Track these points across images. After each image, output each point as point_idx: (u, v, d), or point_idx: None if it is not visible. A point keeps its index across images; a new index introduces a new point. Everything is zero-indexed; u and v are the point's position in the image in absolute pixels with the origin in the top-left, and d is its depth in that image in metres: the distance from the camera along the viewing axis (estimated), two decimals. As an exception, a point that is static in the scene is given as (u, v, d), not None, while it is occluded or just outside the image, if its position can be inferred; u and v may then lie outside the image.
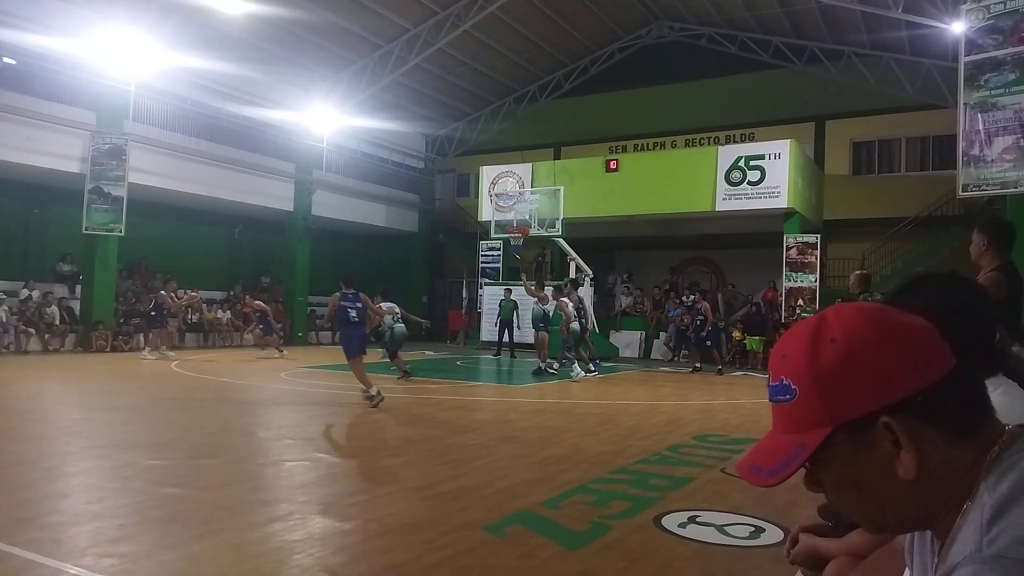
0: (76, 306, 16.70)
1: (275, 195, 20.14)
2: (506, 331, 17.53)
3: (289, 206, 20.65)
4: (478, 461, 5.70)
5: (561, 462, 5.74)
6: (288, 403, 9.16)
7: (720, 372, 14.49)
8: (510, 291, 17.84)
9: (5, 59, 14.43)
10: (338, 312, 8.82)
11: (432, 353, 18.29)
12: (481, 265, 21.51)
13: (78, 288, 16.96)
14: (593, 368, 13.49)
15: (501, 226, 19.07)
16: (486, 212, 20.42)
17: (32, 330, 15.36)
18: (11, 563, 3.20)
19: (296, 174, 20.67)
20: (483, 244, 21.31)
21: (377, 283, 25.05)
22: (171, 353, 15.33)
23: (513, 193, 19.61)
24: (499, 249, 20.90)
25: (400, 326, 12.03)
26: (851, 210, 19.58)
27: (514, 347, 17.60)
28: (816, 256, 17.23)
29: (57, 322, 15.95)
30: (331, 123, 20.61)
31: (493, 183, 20.72)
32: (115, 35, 15.06)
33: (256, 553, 3.47)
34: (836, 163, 20.53)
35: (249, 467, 5.44)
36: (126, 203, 16.19)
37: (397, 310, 12.15)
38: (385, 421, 7.71)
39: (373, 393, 8.40)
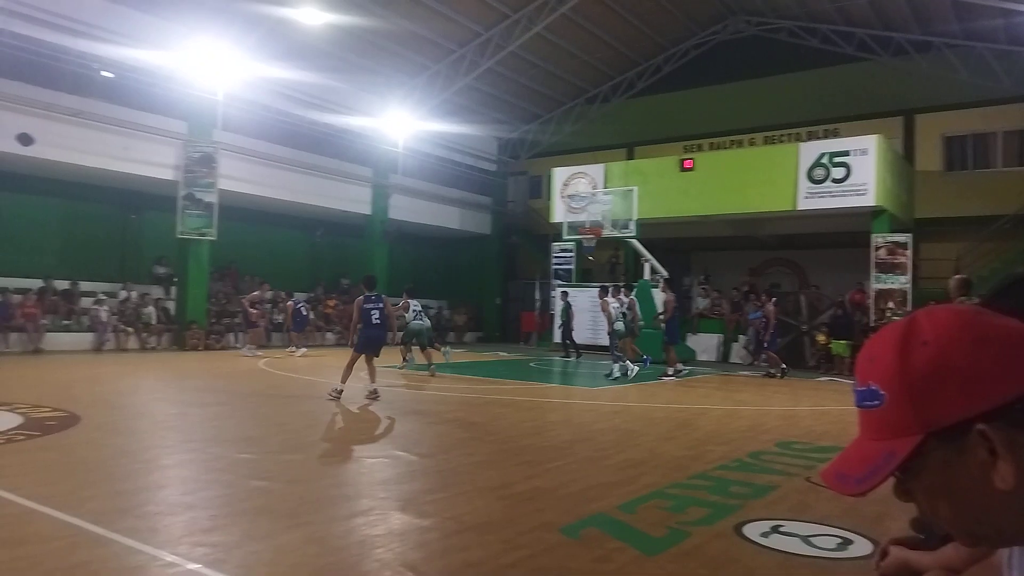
0: (171, 307, 17.61)
1: (354, 199, 20.72)
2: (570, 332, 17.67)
3: (367, 210, 21.19)
4: (553, 462, 5.70)
5: (637, 466, 5.68)
6: (368, 402, 9.39)
7: (775, 375, 14.01)
8: (566, 293, 18.02)
9: (104, 73, 15.36)
10: (362, 314, 9.15)
11: (505, 354, 18.40)
12: (553, 267, 21.50)
13: (173, 289, 17.88)
14: (634, 368, 13.29)
15: (573, 227, 19.02)
16: (558, 214, 20.40)
17: (130, 329, 16.29)
18: (113, 548, 3.40)
19: (373, 178, 21.20)
20: (555, 246, 21.30)
21: (452, 286, 25.49)
22: (259, 352, 15.98)
23: (586, 194, 19.52)
24: (572, 251, 20.84)
25: (418, 321, 12.70)
26: (944, 208, 18.60)
27: (578, 348, 17.67)
28: (907, 256, 16.44)
29: (153, 322, 16.86)
30: (406, 128, 21.06)
31: (565, 184, 20.68)
32: (204, 48, 15.85)
33: (339, 546, 3.58)
34: (927, 159, 19.55)
35: (332, 463, 5.62)
36: (217, 208, 16.97)
37: (419, 307, 12.91)
38: (460, 421, 7.82)
39: (339, 390, 8.75)
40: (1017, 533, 0.78)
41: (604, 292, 13.76)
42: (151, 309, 16.92)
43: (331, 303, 20.84)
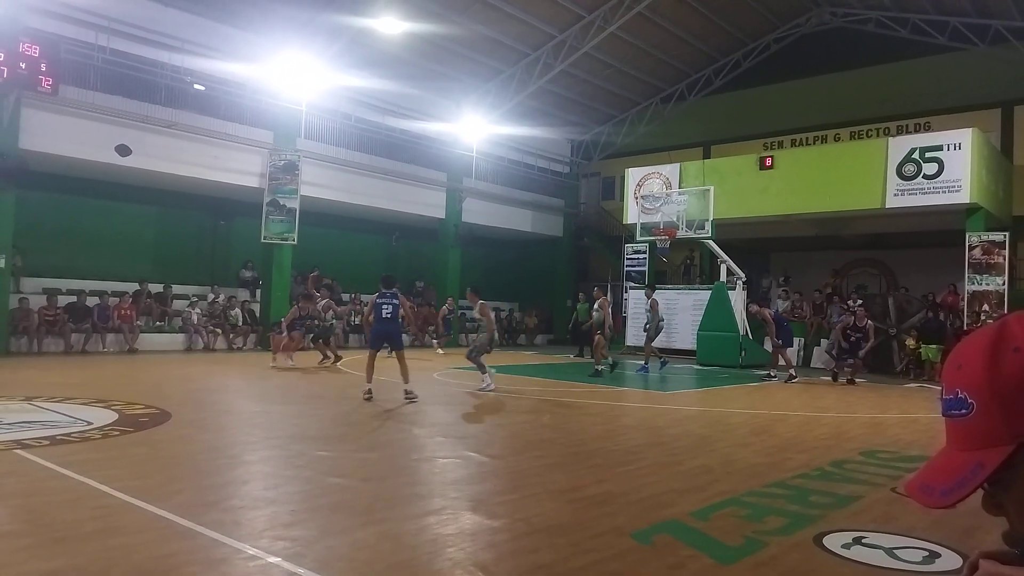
0: (256, 309, 18.33)
1: (428, 203, 21.07)
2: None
3: (441, 213, 21.52)
4: (624, 467, 5.64)
5: (711, 472, 5.56)
6: (440, 402, 9.54)
7: (772, 377, 13.64)
8: (586, 294, 18.02)
9: (196, 86, 16.15)
10: (373, 309, 9.34)
11: (574, 357, 18.31)
12: (626, 268, 21.28)
13: (258, 292, 18.62)
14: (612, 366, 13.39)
15: (647, 228, 18.76)
16: (631, 215, 20.18)
17: (219, 330, 17.05)
18: (200, 541, 3.56)
19: (448, 182, 21.50)
20: (628, 247, 21.08)
21: (524, 288, 25.52)
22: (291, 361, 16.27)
23: (660, 194, 19.23)
24: (644, 252, 20.58)
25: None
26: (1046, 205, 17.44)
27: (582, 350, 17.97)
28: (1004, 256, 15.49)
29: (240, 323, 17.59)
30: (480, 132, 21.28)
31: (639, 185, 20.44)
32: (289, 60, 16.47)
33: (412, 544, 3.64)
34: (1028, 153, 18.38)
35: (405, 462, 5.72)
36: (298, 214, 17.58)
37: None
38: (531, 423, 7.83)
39: (366, 389, 8.91)
40: None
41: (601, 293, 13.68)
42: (238, 311, 17.66)
43: (407, 305, 21.24)
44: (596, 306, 13.61)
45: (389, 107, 19.59)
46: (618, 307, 21.79)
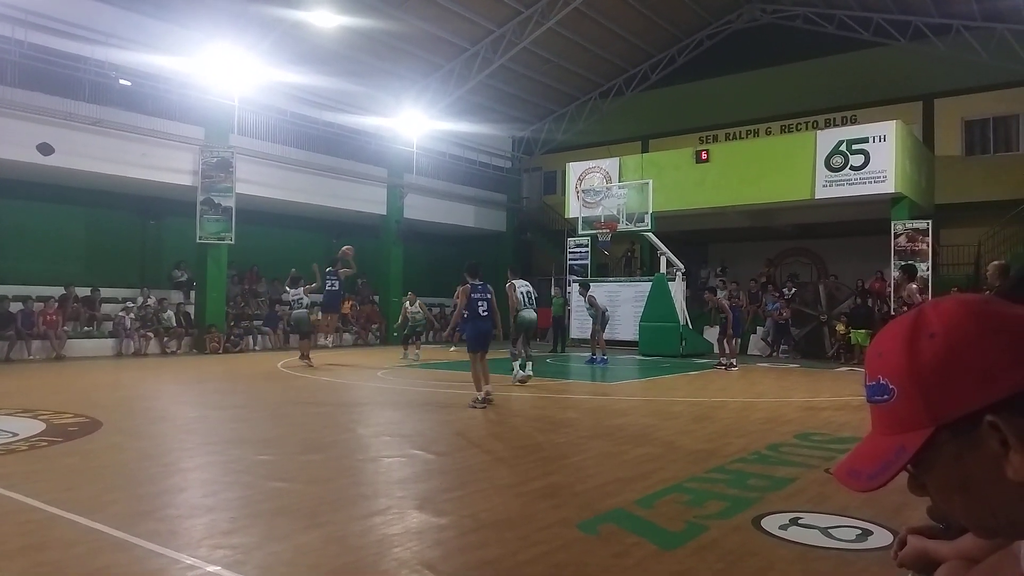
0: (191, 311, 17.79)
1: (369, 200, 20.81)
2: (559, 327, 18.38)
3: (382, 210, 21.28)
4: (569, 459, 5.69)
5: (655, 460, 5.65)
6: (385, 402, 9.45)
7: (723, 366, 13.92)
8: (560, 289, 18.54)
9: (121, 81, 15.53)
10: (469, 305, 8.35)
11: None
12: (569, 262, 21.47)
13: (192, 294, 18.06)
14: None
15: (588, 222, 18.96)
16: (573, 209, 20.36)
17: (151, 334, 16.48)
18: (134, 552, 3.44)
19: (388, 179, 21.27)
20: (571, 241, 21.26)
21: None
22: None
23: (600, 189, 19.47)
24: (587, 246, 20.79)
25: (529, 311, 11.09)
26: (965, 193, 18.34)
27: (565, 343, 18.29)
28: (927, 243, 16.23)
29: (173, 326, 17.05)
30: (421, 127, 21.12)
31: (580, 179, 20.64)
32: (220, 53, 15.99)
33: (358, 545, 3.60)
34: (947, 144, 19.27)
35: (350, 463, 5.65)
36: (235, 213, 17.11)
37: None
38: (476, 419, 7.82)
39: (481, 396, 8.22)
40: None
41: (514, 273, 12.38)
42: (170, 313, 17.11)
43: (347, 304, 20.94)
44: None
45: (327, 102, 19.24)
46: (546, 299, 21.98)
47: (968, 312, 0.76)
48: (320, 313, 15.49)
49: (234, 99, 17.02)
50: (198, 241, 17.04)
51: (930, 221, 16.58)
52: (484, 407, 8.21)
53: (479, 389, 8.34)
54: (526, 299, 10.95)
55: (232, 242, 17.30)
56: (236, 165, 17.05)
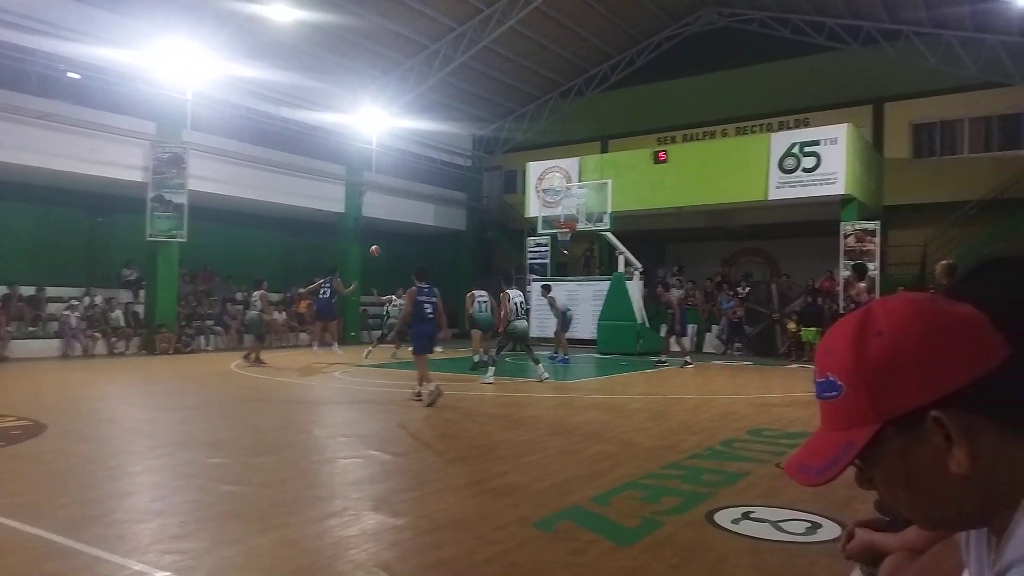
0: (140, 310, 17.32)
1: (327, 197, 20.54)
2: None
3: (340, 208, 21.03)
4: (527, 457, 5.70)
5: (611, 458, 5.70)
6: (341, 402, 9.34)
7: (663, 363, 14.21)
8: (548, 287, 18.16)
9: (70, 74, 15.04)
10: (415, 307, 8.63)
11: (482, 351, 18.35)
12: (529, 261, 21.51)
13: (142, 293, 17.59)
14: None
15: (548, 222, 19.03)
16: (533, 208, 20.41)
17: (98, 334, 16.00)
18: (80, 559, 3.33)
19: (347, 176, 21.03)
20: (531, 240, 21.31)
21: (427, 282, 25.37)
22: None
23: (560, 188, 19.56)
24: (547, 245, 20.86)
25: (522, 320, 11.44)
26: (912, 195, 18.90)
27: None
28: (876, 243, 16.69)
29: (122, 326, 16.58)
30: (380, 125, 20.91)
31: (540, 179, 20.70)
32: (172, 47, 15.57)
33: (312, 548, 3.54)
34: (896, 146, 19.84)
35: (305, 464, 5.56)
36: (187, 210, 16.72)
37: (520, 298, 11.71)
38: (434, 418, 7.79)
39: (430, 390, 8.36)
40: (974, 517, 0.79)
41: (508, 283, 12.90)
42: (119, 313, 16.64)
43: (304, 304, 20.64)
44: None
45: (284, 98, 18.93)
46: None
47: (914, 311, 0.77)
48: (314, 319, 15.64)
49: (187, 93, 16.61)
50: (148, 239, 16.59)
51: (878, 222, 17.05)
52: (427, 401, 8.39)
53: (427, 382, 8.59)
54: (519, 309, 11.33)
55: (184, 240, 16.90)
56: (189, 161, 16.65)
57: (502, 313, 11.70)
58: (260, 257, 21.19)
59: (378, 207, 21.86)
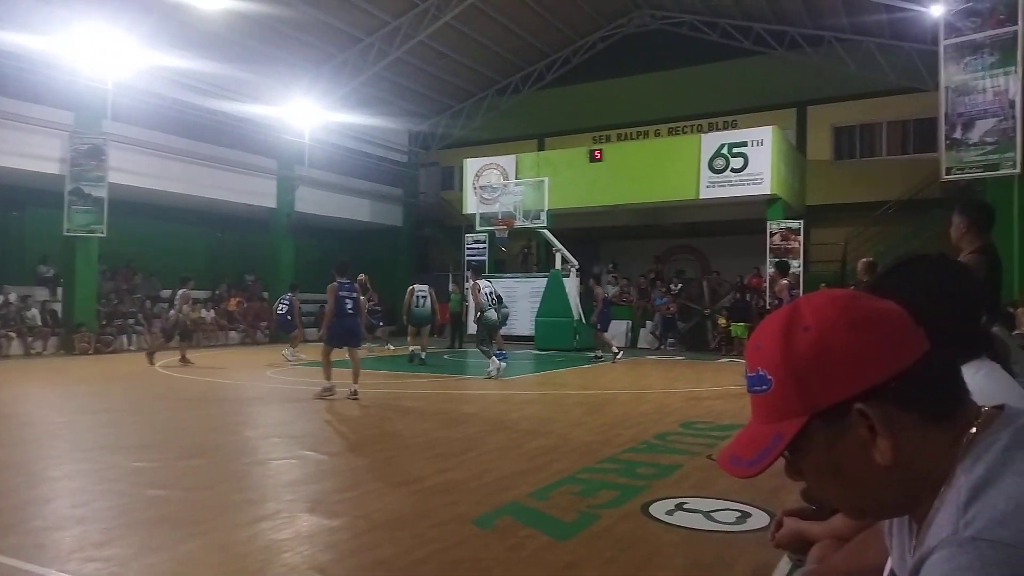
0: (58, 309, 16.50)
1: (257, 192, 20.00)
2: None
3: (272, 203, 20.51)
4: (466, 454, 5.70)
5: (549, 453, 5.75)
6: (274, 401, 9.12)
7: (601, 358, 14.46)
8: (458, 286, 18.75)
9: (-22, 60, 14.19)
10: (336, 302, 8.73)
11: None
12: (467, 258, 21.47)
13: (59, 291, 16.76)
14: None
15: (486, 219, 19.04)
16: (471, 205, 20.37)
17: (13, 334, 15.17)
18: (-6, 570, 3.16)
19: (278, 170, 20.53)
20: (468, 237, 21.27)
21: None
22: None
23: (497, 185, 19.58)
24: (485, 242, 20.86)
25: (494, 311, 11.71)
26: (833, 195, 19.70)
27: (463, 339, 18.31)
28: (799, 242, 17.33)
29: (39, 324, 15.77)
30: (312, 118, 20.46)
31: (477, 175, 20.69)
32: (92, 34, 14.84)
33: (243, 553, 3.45)
34: (818, 148, 20.63)
35: (235, 467, 5.41)
36: (107, 204, 16.01)
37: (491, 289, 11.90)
38: (372, 417, 7.69)
39: (326, 386, 8.62)
40: (897, 505, 0.82)
41: (477, 274, 12.76)
42: (35, 312, 15.82)
43: (234, 301, 20.08)
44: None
45: (212, 89, 18.30)
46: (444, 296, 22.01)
47: (838, 306, 0.80)
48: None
49: (108, 83, 15.88)
50: (66, 234, 15.82)
51: (802, 221, 17.72)
52: (317, 394, 8.64)
53: (328, 378, 8.73)
54: (490, 299, 11.51)
55: (104, 235, 16.18)
56: (109, 153, 15.94)
57: (474, 305, 11.99)
58: (186, 253, 20.46)
59: (312, 202, 21.42)
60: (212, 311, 19.11)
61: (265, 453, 5.94)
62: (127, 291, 18.20)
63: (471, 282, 12.10)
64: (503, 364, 11.13)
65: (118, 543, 3.54)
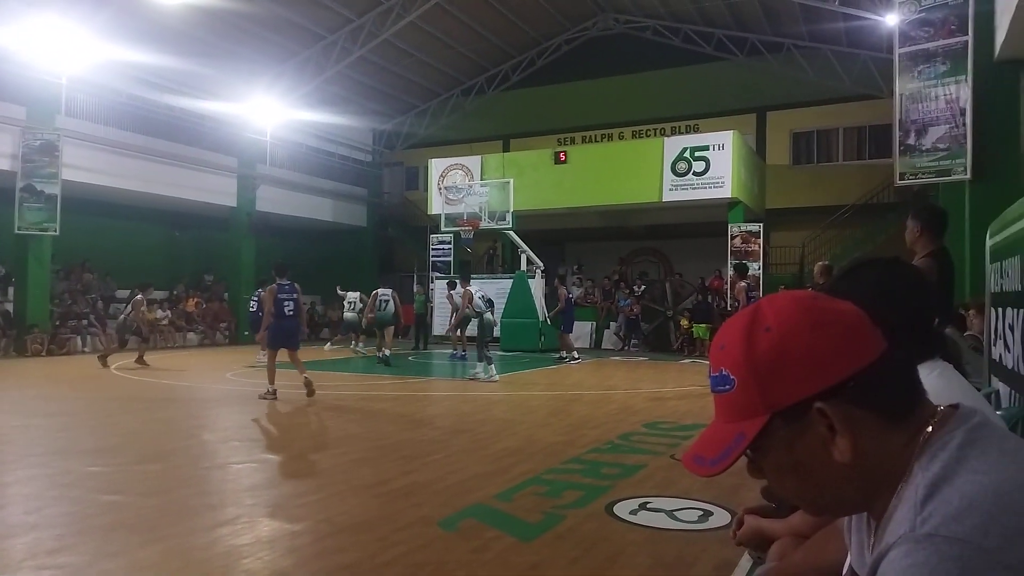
0: (10, 309, 15.98)
1: (217, 190, 19.63)
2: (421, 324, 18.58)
3: (232, 201, 20.15)
4: (431, 456, 5.67)
5: (514, 454, 5.75)
6: (234, 404, 8.95)
7: (566, 359, 14.59)
8: (423, 287, 18.87)
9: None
10: (275, 304, 8.73)
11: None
12: (432, 259, 21.38)
13: (10, 290, 16.24)
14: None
15: (451, 219, 18.98)
16: (436, 205, 20.30)
17: (-40, 335, 14.66)
18: (-61, 580, 3.05)
19: (239, 169, 20.18)
20: (433, 238, 21.18)
21: (327, 280, 24.72)
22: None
23: (462, 186, 19.54)
24: (450, 242, 20.80)
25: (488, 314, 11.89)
26: (792, 199, 20.09)
27: (427, 340, 18.34)
28: (759, 244, 17.64)
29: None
30: (275, 116, 20.16)
31: (442, 176, 20.62)
32: (45, 26, 14.40)
33: (202, 559, 3.38)
34: (777, 153, 21.02)
35: (194, 471, 5.30)
36: (60, 201, 15.57)
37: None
38: (336, 419, 7.61)
39: (269, 389, 8.63)
40: (856, 502, 0.83)
41: (467, 280, 12.99)
42: (-16, 312, 15.31)
43: (192, 302, 19.68)
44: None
45: (170, 85, 17.93)
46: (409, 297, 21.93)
47: (799, 307, 0.81)
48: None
49: (62, 77, 15.46)
50: (17, 232, 15.33)
51: (761, 224, 18.05)
52: (263, 394, 8.63)
53: (271, 382, 8.70)
54: (484, 303, 11.81)
55: (57, 233, 15.72)
56: (63, 149, 15.50)
57: (465, 310, 12.28)
58: (143, 252, 19.99)
59: (273, 201, 21.11)
60: (169, 312, 18.70)
61: (224, 457, 5.84)
62: (81, 291, 17.70)
63: (460, 288, 12.38)
64: (495, 376, 11.20)
65: (72, 550, 3.45)
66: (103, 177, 16.65)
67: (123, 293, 18.25)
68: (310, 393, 8.51)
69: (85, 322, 16.98)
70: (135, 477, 4.99)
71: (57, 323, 16.32)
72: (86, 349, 16.42)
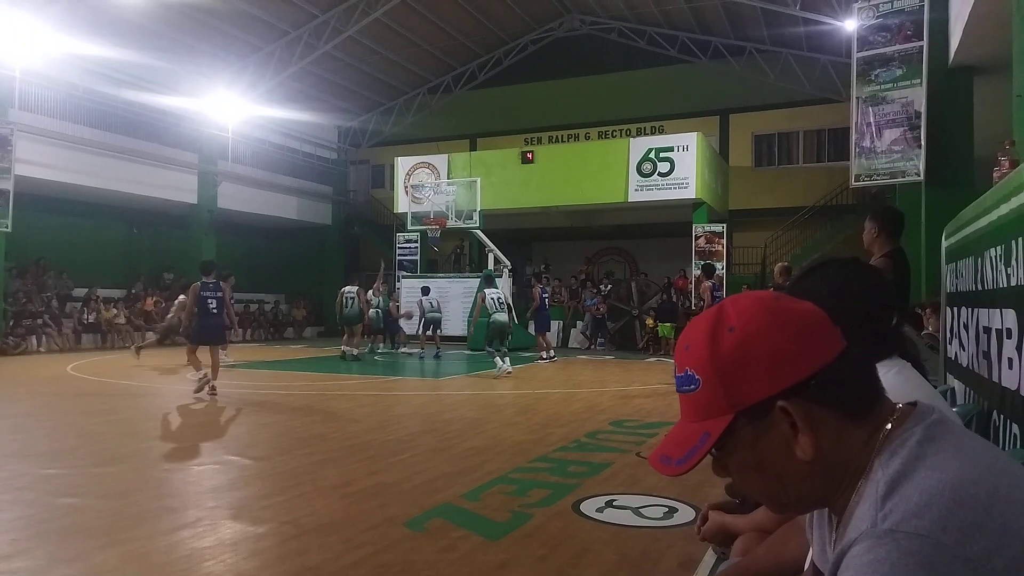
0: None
1: (177, 187, 19.26)
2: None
3: (192, 198, 19.79)
4: (397, 456, 5.64)
5: (481, 453, 5.75)
6: (195, 405, 8.79)
7: (546, 359, 14.66)
8: (387, 284, 18.55)
9: None
10: (199, 302, 8.91)
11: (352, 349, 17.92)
12: (398, 258, 21.25)
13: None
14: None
15: (418, 218, 18.90)
16: (402, 204, 20.19)
17: (-94, 335, 14.15)
18: None
19: (200, 165, 19.82)
20: (400, 236, 21.07)
21: (291, 279, 24.36)
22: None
23: (429, 184, 19.45)
24: (416, 241, 20.71)
25: (501, 315, 12.04)
26: (754, 200, 20.43)
27: (395, 339, 18.24)
28: (723, 245, 17.90)
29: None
30: (237, 112, 19.85)
31: (408, 174, 20.51)
32: (-6, 16, 13.99)
33: (162, 563, 3.31)
34: (740, 155, 21.36)
35: (154, 473, 5.19)
36: (13, 197, 15.11)
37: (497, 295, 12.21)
38: (301, 420, 7.52)
39: (200, 376, 8.87)
40: (818, 498, 0.85)
41: (489, 283, 13.03)
42: (-68, 311, 14.79)
43: (151, 301, 19.27)
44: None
45: (128, 79, 17.53)
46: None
47: (761, 308, 0.83)
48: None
49: (14, 70, 15.01)
50: (-33, 228, 14.87)
51: (725, 225, 18.32)
52: (213, 390, 8.78)
53: (197, 369, 9.01)
54: (496, 304, 12.06)
55: (8, 230, 15.26)
56: (15, 144, 15.05)
57: (475, 312, 12.85)
58: (101, 250, 19.53)
59: (236, 199, 20.78)
60: (126, 310, 18.28)
61: (186, 458, 5.73)
62: (36, 289, 17.21)
63: (485, 289, 12.62)
64: (508, 368, 11.52)
65: (27, 554, 3.35)
66: (59, 173, 16.23)
67: (80, 292, 17.83)
68: (199, 389, 8.75)
69: (40, 321, 16.51)
70: (93, 480, 4.87)
71: (11, 322, 15.85)
72: (42, 349, 15.99)
